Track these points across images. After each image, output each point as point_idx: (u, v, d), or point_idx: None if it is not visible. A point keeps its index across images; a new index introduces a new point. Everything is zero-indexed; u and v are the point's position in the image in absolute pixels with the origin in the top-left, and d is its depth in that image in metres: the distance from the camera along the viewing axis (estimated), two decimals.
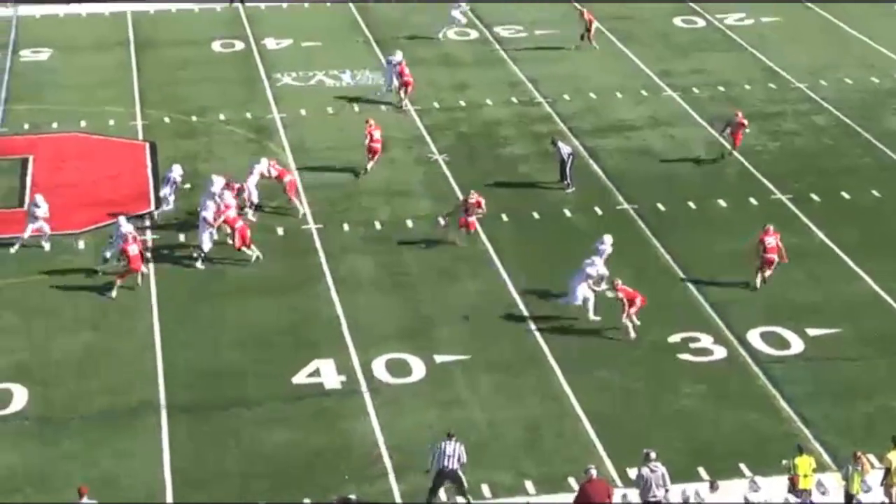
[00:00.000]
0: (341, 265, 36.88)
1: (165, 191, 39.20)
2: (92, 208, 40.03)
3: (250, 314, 34.50)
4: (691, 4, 59.11)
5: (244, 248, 36.81)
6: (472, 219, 37.81)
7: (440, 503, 27.30)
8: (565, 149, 41.70)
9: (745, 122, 43.33)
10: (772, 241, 35.18)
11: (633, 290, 33.24)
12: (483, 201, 38.06)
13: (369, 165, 42.10)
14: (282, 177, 39.92)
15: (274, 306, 34.87)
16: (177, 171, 39.41)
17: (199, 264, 36.79)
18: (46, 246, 37.66)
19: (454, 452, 26.98)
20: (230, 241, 37.00)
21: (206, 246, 36.95)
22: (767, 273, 35.16)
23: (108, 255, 36.60)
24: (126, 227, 36.08)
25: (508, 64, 52.34)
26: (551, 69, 51.34)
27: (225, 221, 37.01)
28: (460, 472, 27.05)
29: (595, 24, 53.45)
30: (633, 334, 33.01)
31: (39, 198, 37.80)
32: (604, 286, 33.65)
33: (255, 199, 39.59)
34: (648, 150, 44.24)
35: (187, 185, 40.18)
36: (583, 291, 33.72)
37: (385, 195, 40.98)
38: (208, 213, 36.92)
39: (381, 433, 29.62)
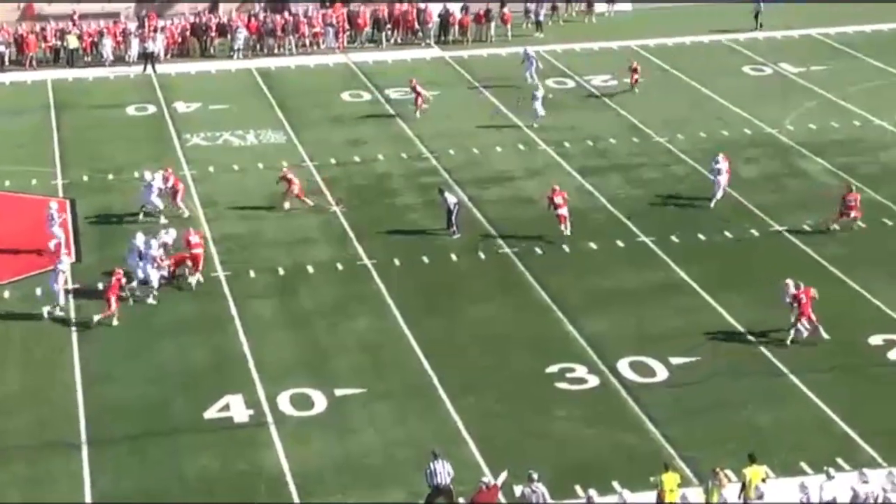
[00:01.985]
0: (248, 308, 36.63)
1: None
2: (15, 259, 39.57)
3: (165, 352, 34.15)
4: (562, 67, 59.63)
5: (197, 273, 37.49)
6: None
7: None
8: (451, 198, 41.79)
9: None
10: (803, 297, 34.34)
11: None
12: None
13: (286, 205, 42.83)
14: (176, 185, 42.21)
15: (187, 345, 34.53)
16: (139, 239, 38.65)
17: (150, 300, 36.68)
18: None
19: (444, 469, 27.15)
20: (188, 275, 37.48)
21: (155, 282, 37.02)
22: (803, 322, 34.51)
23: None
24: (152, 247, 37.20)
25: (398, 122, 52.43)
26: (437, 127, 51.50)
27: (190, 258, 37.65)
28: (451, 486, 27.16)
29: (638, 74, 54.19)
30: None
31: None
32: None
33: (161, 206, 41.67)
34: (526, 198, 44.47)
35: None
36: None
37: (286, 244, 40.80)
38: (153, 251, 37.19)
39: (286, 462, 29.39)
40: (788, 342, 34.13)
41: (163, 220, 41.51)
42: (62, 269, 36.54)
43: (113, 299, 35.60)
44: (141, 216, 42.05)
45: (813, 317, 34.29)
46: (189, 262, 37.99)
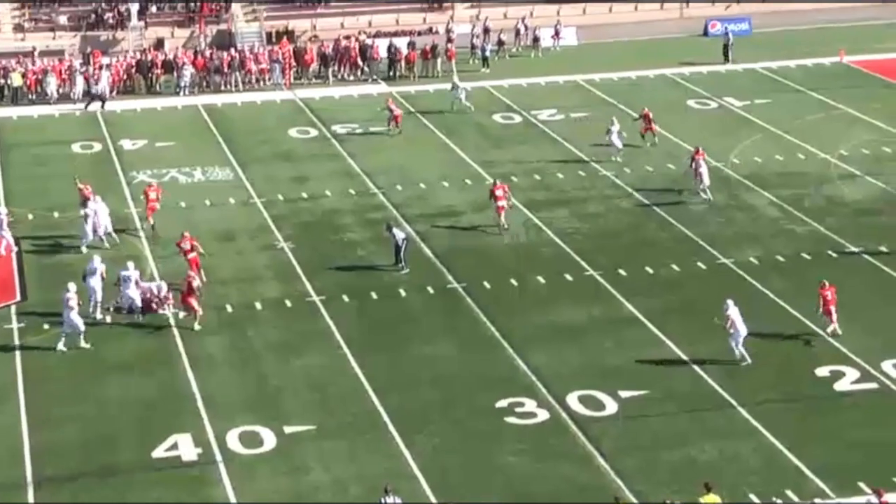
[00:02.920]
0: (197, 345, 36.42)
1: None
2: None
3: (112, 391, 33.86)
4: (509, 102, 59.90)
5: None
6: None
7: None
8: (399, 234, 41.81)
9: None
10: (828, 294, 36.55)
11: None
12: None
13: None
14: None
15: (135, 383, 34.25)
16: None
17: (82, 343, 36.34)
18: None
19: None
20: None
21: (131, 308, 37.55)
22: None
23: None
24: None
25: (345, 158, 52.46)
26: (384, 162, 51.59)
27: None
28: None
29: (652, 120, 53.21)
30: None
31: None
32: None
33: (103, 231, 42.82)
34: (474, 233, 44.54)
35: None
36: None
37: (235, 281, 40.66)
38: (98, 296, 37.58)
39: (235, 500, 29.17)
40: (830, 330, 36.27)
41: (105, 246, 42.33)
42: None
43: (194, 302, 37.03)
44: (105, 243, 42.77)
45: (834, 314, 36.17)
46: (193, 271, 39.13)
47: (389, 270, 41.28)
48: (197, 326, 37.11)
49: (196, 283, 37.83)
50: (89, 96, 59.33)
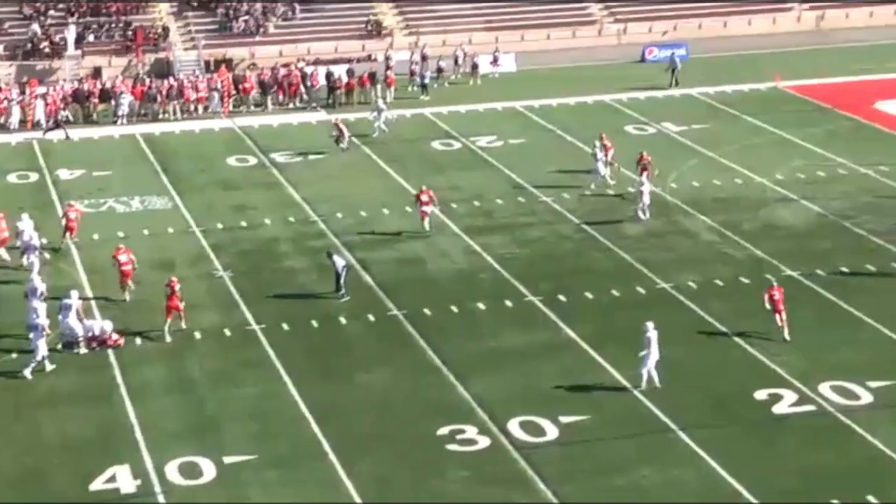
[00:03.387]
0: (135, 376, 36.13)
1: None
2: None
3: (48, 423, 33.49)
4: (448, 129, 60.04)
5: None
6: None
7: None
8: (339, 261, 41.72)
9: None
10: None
11: None
12: None
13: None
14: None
15: (71, 415, 33.92)
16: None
17: (27, 372, 35.95)
18: None
19: None
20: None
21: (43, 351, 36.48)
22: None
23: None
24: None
25: (285, 186, 52.34)
26: (324, 190, 51.51)
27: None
28: None
29: (611, 153, 52.68)
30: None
31: None
32: None
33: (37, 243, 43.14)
34: (414, 260, 44.55)
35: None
36: None
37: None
38: (41, 320, 36.70)
39: None
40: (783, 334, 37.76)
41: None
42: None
43: (180, 304, 38.50)
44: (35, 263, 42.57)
45: (783, 315, 37.67)
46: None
47: (330, 298, 41.16)
48: (184, 325, 38.69)
49: (177, 286, 38.80)
50: (53, 124, 59.12)
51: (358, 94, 64.88)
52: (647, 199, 47.62)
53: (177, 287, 38.72)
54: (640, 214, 47.39)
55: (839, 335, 38.43)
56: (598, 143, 52.48)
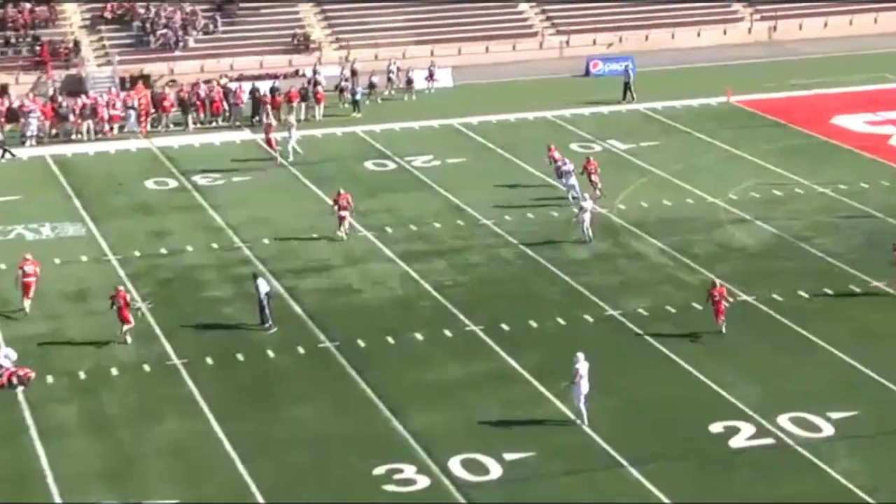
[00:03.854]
0: (45, 415, 35.71)
1: None
2: None
3: None
4: (381, 148, 60.06)
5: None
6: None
7: None
8: (263, 286, 41.47)
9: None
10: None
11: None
12: None
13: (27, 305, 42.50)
14: None
15: None
16: None
17: None
18: None
19: None
20: None
21: None
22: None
23: None
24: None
25: (207, 210, 52.08)
26: (249, 214, 51.31)
27: None
28: None
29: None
30: None
31: None
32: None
33: None
34: (346, 287, 44.43)
35: None
36: None
37: (88, 344, 39.98)
38: None
39: None
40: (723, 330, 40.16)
41: None
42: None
43: (129, 315, 40.14)
44: None
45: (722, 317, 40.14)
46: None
47: (256, 330, 40.94)
48: (129, 339, 39.95)
49: (129, 296, 40.58)
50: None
51: (285, 111, 64.72)
52: (587, 219, 47.80)
53: (127, 297, 40.34)
54: (584, 233, 47.64)
55: (797, 362, 38.68)
56: (548, 158, 52.98)
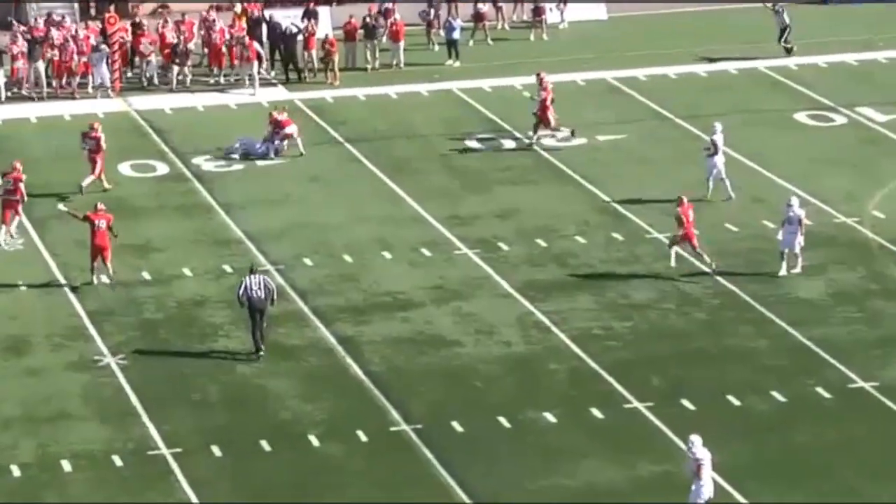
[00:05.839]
0: None
1: None
2: None
3: None
4: (492, 117, 60.39)
5: None
6: None
7: None
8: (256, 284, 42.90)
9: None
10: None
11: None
12: None
13: None
14: None
15: None
16: None
17: None
18: None
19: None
20: None
21: None
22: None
23: None
24: None
25: (216, 212, 52.46)
26: (281, 219, 52.11)
27: None
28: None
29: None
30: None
31: None
32: None
33: None
34: (436, 338, 44.74)
35: None
36: None
37: (27, 423, 40.38)
38: None
39: None
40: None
41: None
42: None
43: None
44: None
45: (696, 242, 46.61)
46: None
47: (293, 401, 41.13)
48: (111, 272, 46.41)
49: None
50: None
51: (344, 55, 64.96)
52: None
53: (111, 220, 45.32)
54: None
55: None
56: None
